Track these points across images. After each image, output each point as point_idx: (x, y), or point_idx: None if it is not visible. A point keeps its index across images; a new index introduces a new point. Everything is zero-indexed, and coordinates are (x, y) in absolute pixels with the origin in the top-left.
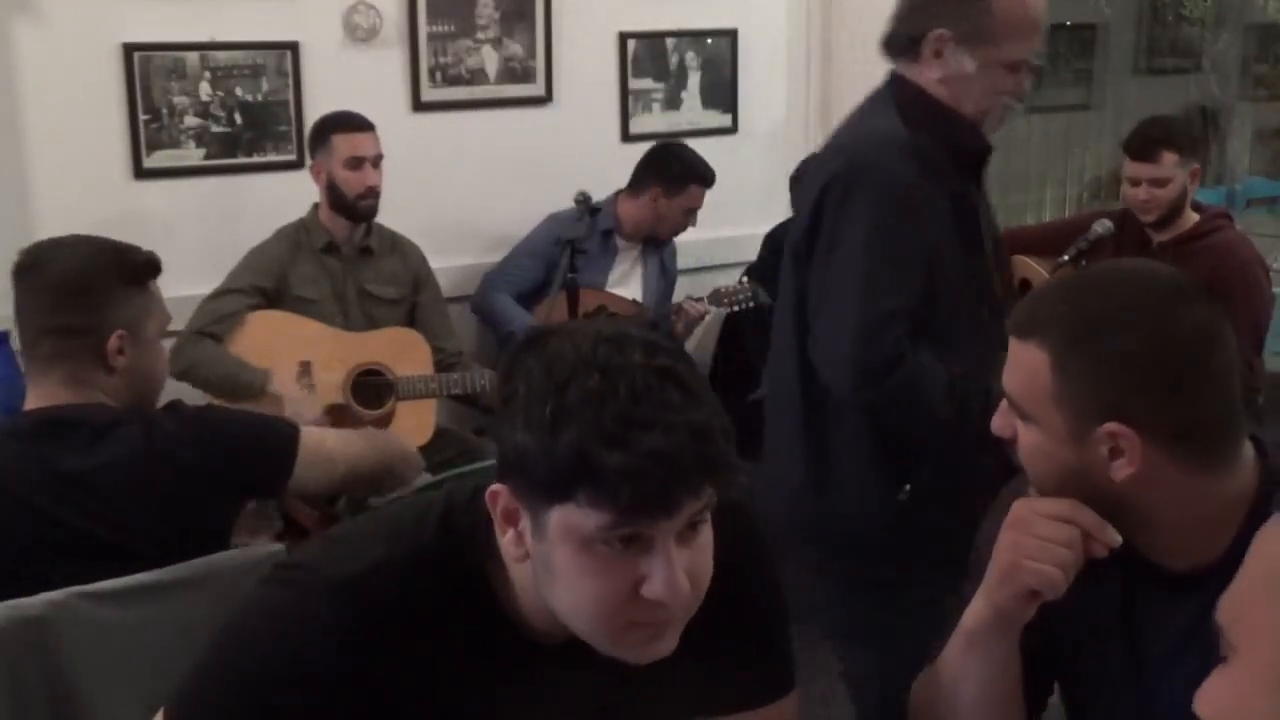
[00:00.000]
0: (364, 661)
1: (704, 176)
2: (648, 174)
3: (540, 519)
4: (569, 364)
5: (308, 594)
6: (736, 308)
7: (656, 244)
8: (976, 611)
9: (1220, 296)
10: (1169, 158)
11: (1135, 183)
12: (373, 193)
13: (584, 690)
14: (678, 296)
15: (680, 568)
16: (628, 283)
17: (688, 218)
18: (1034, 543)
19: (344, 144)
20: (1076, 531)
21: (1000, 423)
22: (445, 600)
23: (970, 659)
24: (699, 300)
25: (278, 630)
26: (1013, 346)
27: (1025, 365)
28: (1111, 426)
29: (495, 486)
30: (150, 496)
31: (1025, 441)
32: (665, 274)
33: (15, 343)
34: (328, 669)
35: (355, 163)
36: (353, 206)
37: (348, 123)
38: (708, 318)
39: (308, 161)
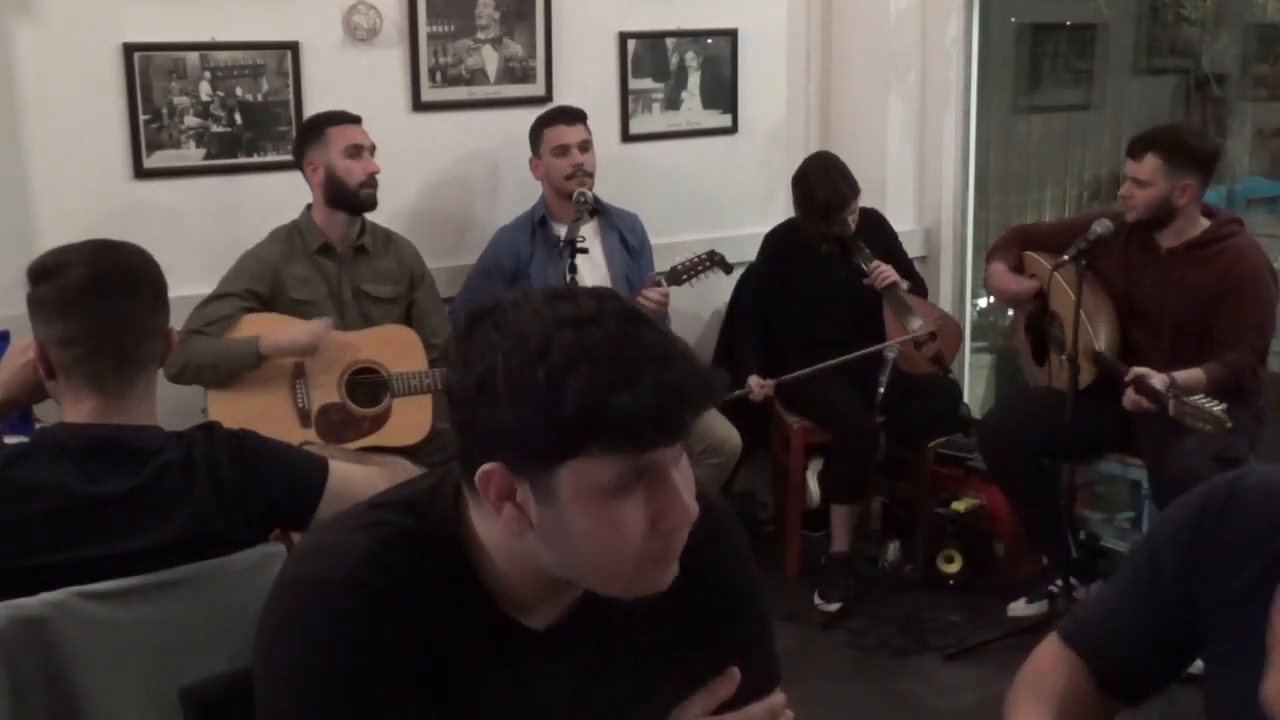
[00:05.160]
0: (386, 640)
1: (556, 114)
2: (530, 147)
3: (545, 484)
4: (538, 330)
5: (321, 601)
6: (695, 279)
7: (605, 217)
8: None
9: (1227, 300)
10: (1151, 160)
11: (1125, 178)
12: (373, 180)
13: (568, 681)
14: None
15: (685, 491)
16: (591, 267)
17: (566, 157)
18: None
19: (340, 135)
20: None
21: None
22: (434, 575)
23: None
24: (657, 284)
25: (311, 649)
26: None
27: None
28: None
29: (487, 467)
30: (183, 509)
31: None
32: (629, 250)
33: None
34: (366, 662)
35: (354, 150)
36: (355, 195)
37: (340, 116)
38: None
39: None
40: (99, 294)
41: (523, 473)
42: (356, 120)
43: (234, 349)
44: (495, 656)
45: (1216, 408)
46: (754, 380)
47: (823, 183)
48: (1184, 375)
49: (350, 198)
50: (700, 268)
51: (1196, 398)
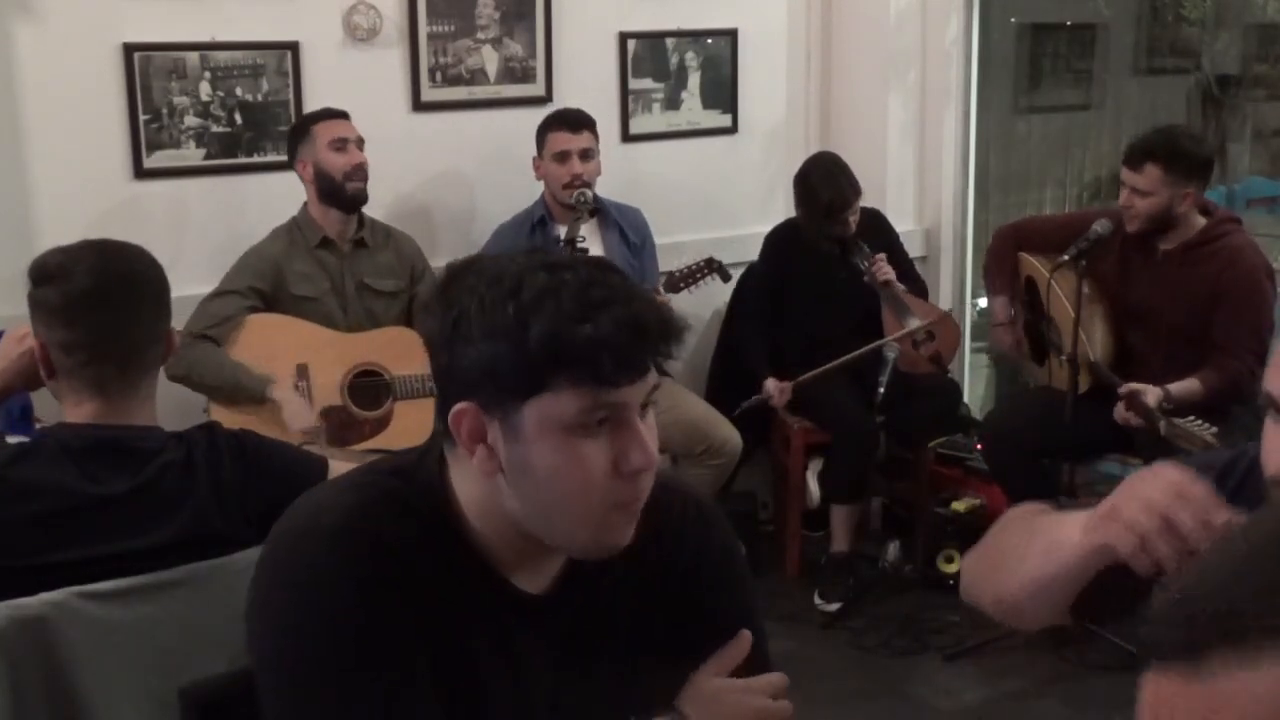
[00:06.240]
0: (380, 595)
1: (561, 119)
2: (536, 145)
3: (513, 421)
4: (512, 272)
5: (311, 551)
6: (693, 286)
7: (605, 216)
8: (1075, 537)
9: (1224, 303)
10: (1153, 171)
11: (1123, 186)
12: (360, 172)
13: (555, 652)
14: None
15: (648, 437)
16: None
17: (566, 164)
18: (1136, 505)
19: (324, 130)
20: (1185, 518)
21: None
22: (421, 536)
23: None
24: (655, 292)
25: (303, 597)
26: None
27: None
28: None
29: (459, 406)
30: (184, 509)
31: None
32: (630, 246)
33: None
34: (358, 609)
35: (339, 144)
36: (341, 189)
37: (325, 113)
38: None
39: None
40: (103, 301)
41: (493, 411)
42: (343, 115)
43: (242, 386)
44: (482, 618)
45: (1208, 433)
46: (771, 384)
47: (826, 183)
48: (1179, 387)
49: (338, 190)
50: (698, 275)
51: (1188, 420)
